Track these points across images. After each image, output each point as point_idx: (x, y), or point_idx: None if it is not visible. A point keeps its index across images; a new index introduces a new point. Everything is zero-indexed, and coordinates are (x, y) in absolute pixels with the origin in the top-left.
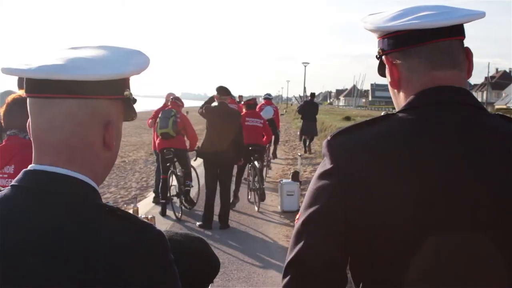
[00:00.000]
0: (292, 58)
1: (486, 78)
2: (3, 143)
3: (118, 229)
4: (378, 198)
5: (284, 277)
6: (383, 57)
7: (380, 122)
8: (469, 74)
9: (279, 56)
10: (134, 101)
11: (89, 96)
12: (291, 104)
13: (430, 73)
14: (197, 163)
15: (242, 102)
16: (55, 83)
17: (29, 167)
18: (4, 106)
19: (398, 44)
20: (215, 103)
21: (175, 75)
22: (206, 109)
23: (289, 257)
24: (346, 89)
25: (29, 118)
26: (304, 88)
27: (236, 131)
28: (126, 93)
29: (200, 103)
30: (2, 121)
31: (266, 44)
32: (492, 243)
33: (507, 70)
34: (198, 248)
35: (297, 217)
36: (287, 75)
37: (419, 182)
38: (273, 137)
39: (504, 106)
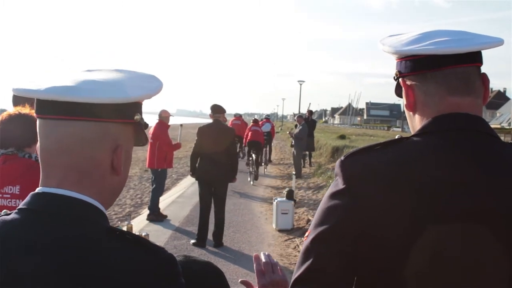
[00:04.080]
0: (288, 75)
1: (486, 103)
2: None
3: (129, 253)
4: (389, 222)
5: None
6: (400, 79)
7: (394, 145)
8: (485, 100)
9: (274, 74)
10: (146, 126)
11: (99, 119)
12: (286, 122)
13: (446, 98)
14: (192, 180)
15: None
16: (65, 105)
17: (37, 189)
18: (12, 123)
19: (415, 68)
20: (210, 121)
21: (170, 92)
22: (199, 129)
23: (296, 273)
24: (341, 107)
25: (38, 139)
26: (300, 106)
27: (230, 147)
28: (136, 117)
29: (195, 120)
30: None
31: (262, 61)
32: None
33: (501, 90)
34: (212, 281)
35: (306, 234)
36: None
37: (431, 209)
38: (267, 147)
39: (499, 126)
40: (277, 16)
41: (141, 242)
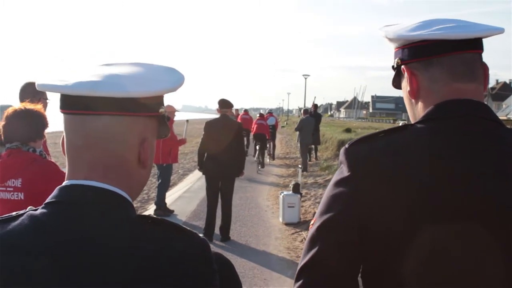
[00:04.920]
0: (292, 70)
1: (486, 90)
2: (2, 156)
3: (165, 239)
4: (393, 207)
5: (296, 281)
6: (402, 66)
7: (398, 132)
8: (485, 88)
9: (279, 68)
10: (168, 118)
11: (125, 113)
12: (292, 117)
13: (451, 84)
14: (198, 175)
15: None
16: (92, 100)
17: (64, 183)
18: (4, 119)
19: (420, 54)
20: (217, 116)
21: None
22: (206, 124)
23: (302, 261)
24: (347, 101)
25: (64, 134)
26: (305, 100)
27: (237, 142)
28: (161, 110)
29: (201, 115)
30: (1, 134)
31: (267, 56)
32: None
33: (507, 82)
34: (224, 273)
35: (312, 222)
36: (287, 87)
37: (436, 194)
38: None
39: (505, 117)
40: (280, 10)
41: (176, 227)
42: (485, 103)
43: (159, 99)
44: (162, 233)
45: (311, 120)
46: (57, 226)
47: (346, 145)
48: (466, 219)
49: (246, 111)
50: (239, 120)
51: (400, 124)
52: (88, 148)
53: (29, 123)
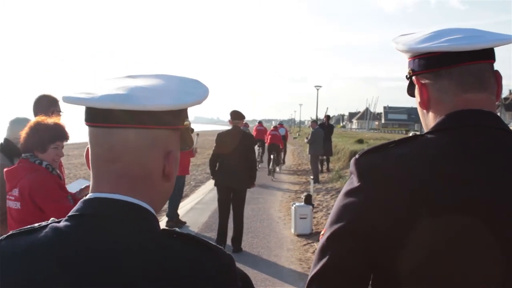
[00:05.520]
0: (304, 81)
1: (499, 99)
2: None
3: (192, 254)
4: (403, 218)
5: None
6: (413, 77)
7: (408, 142)
8: (498, 97)
9: (291, 79)
10: (192, 130)
11: (151, 126)
12: (304, 128)
13: (461, 95)
14: (210, 187)
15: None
16: (117, 113)
17: (88, 195)
18: (27, 130)
19: (429, 65)
20: (229, 128)
21: None
22: (218, 135)
23: (313, 271)
24: (359, 112)
25: (88, 146)
26: (317, 111)
27: (249, 153)
28: (186, 123)
29: (212, 127)
30: (21, 144)
31: (279, 66)
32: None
33: None
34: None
35: (322, 232)
36: (299, 98)
37: (445, 204)
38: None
39: None
40: (291, 20)
41: (202, 242)
42: (498, 113)
43: (184, 112)
44: (188, 248)
45: (320, 130)
46: (81, 238)
47: (357, 156)
48: (475, 227)
49: (260, 122)
50: (254, 131)
51: (410, 135)
52: (113, 161)
53: (32, 135)
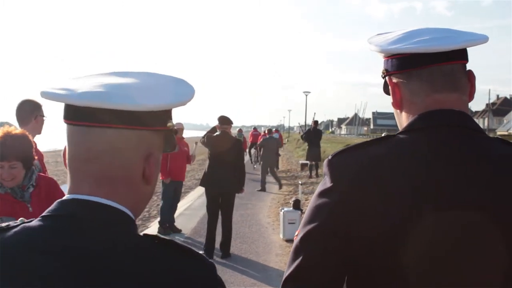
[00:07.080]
0: (293, 87)
1: (487, 104)
2: None
3: (173, 261)
4: (376, 217)
5: None
6: (387, 77)
7: (380, 143)
8: (471, 97)
9: (280, 86)
10: (176, 132)
11: (131, 127)
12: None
13: (432, 95)
14: (199, 192)
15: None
16: (97, 111)
17: (65, 196)
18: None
19: (401, 66)
20: (217, 133)
21: None
22: (208, 138)
23: (287, 272)
24: (348, 117)
25: (66, 145)
26: (306, 117)
27: (238, 159)
28: (169, 124)
29: (201, 133)
30: None
31: (267, 73)
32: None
33: (508, 97)
34: None
35: (296, 233)
36: (288, 104)
37: (416, 203)
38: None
39: (506, 133)
40: (281, 28)
41: (184, 249)
42: (486, 118)
43: (168, 112)
44: (167, 254)
45: (272, 140)
46: (51, 240)
47: (329, 156)
48: (449, 224)
49: (255, 128)
50: (250, 136)
51: (383, 135)
52: (92, 161)
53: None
